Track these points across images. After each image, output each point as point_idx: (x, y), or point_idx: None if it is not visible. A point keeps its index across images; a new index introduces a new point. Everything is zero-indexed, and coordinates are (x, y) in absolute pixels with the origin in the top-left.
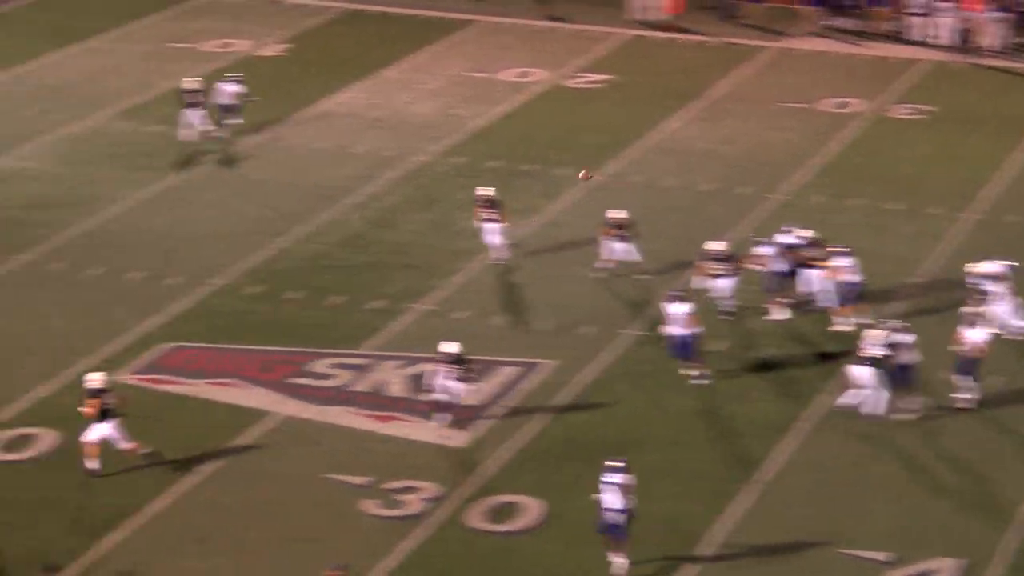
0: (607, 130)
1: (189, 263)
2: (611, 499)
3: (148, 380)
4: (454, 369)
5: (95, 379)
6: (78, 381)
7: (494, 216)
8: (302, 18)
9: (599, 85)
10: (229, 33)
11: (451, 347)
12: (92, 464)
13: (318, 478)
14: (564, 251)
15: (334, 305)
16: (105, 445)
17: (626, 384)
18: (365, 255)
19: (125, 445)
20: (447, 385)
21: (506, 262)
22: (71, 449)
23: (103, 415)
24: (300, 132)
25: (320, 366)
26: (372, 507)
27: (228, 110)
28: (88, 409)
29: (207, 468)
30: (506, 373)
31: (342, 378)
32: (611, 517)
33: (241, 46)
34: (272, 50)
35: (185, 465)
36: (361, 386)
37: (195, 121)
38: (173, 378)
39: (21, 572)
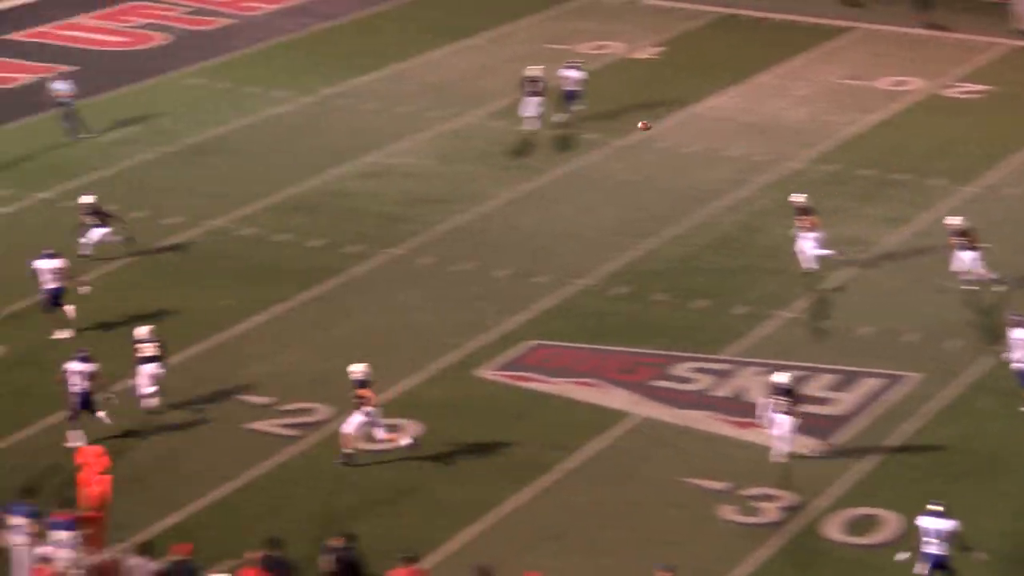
0: (984, 141)
1: (556, 261)
2: (932, 545)
3: (510, 377)
4: (782, 401)
5: (358, 370)
6: (443, 375)
7: (806, 223)
8: (677, 22)
9: (978, 96)
10: (605, 35)
11: (780, 377)
12: (406, 441)
13: (676, 481)
14: (934, 261)
15: (700, 308)
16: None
17: (991, 401)
18: (733, 259)
19: (381, 435)
20: (774, 417)
21: (838, 263)
22: (434, 439)
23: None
24: (672, 134)
25: (682, 369)
26: (729, 513)
27: (571, 96)
28: (369, 399)
29: (566, 467)
30: (869, 384)
31: (703, 382)
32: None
33: (616, 48)
34: (646, 53)
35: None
36: (722, 391)
37: (533, 109)
38: (535, 376)
39: (380, 560)
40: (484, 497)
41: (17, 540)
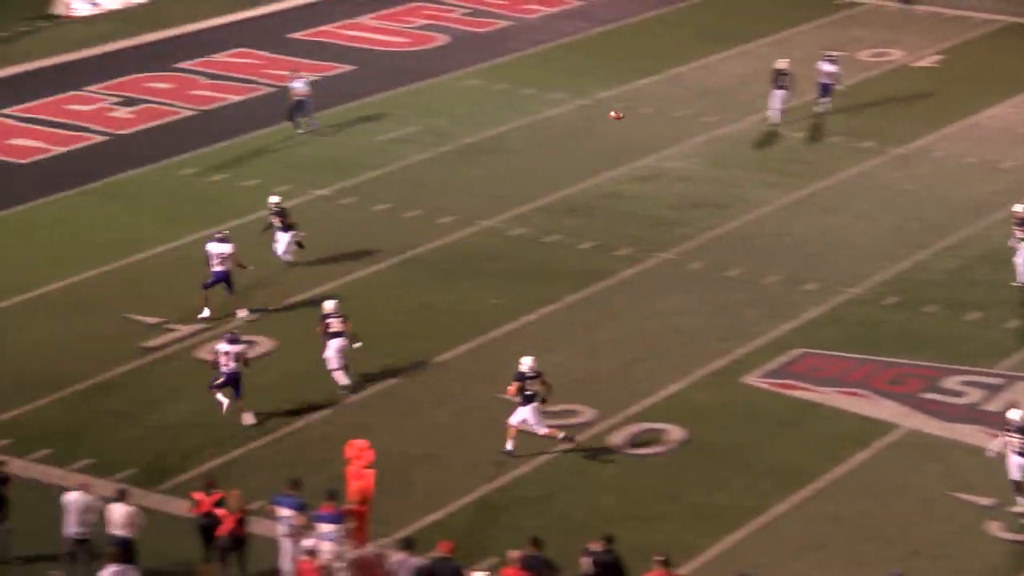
0: None
1: (826, 269)
2: None
3: (777, 384)
4: (1015, 438)
5: (525, 363)
6: (709, 380)
7: (1020, 233)
8: (961, 30)
9: None
10: (885, 42)
11: (1015, 414)
12: (509, 445)
13: (943, 495)
14: None
15: (972, 320)
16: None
17: None
18: (1007, 272)
19: (542, 431)
20: (1012, 458)
21: None
22: (698, 445)
23: (524, 399)
24: (950, 144)
25: (952, 382)
26: (997, 529)
27: (826, 89)
28: (511, 390)
29: (831, 477)
30: None
31: (974, 396)
32: None
33: (895, 55)
34: (927, 61)
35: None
36: (993, 406)
37: (778, 103)
38: (802, 384)
39: (639, 564)
40: (746, 504)
41: (284, 532)
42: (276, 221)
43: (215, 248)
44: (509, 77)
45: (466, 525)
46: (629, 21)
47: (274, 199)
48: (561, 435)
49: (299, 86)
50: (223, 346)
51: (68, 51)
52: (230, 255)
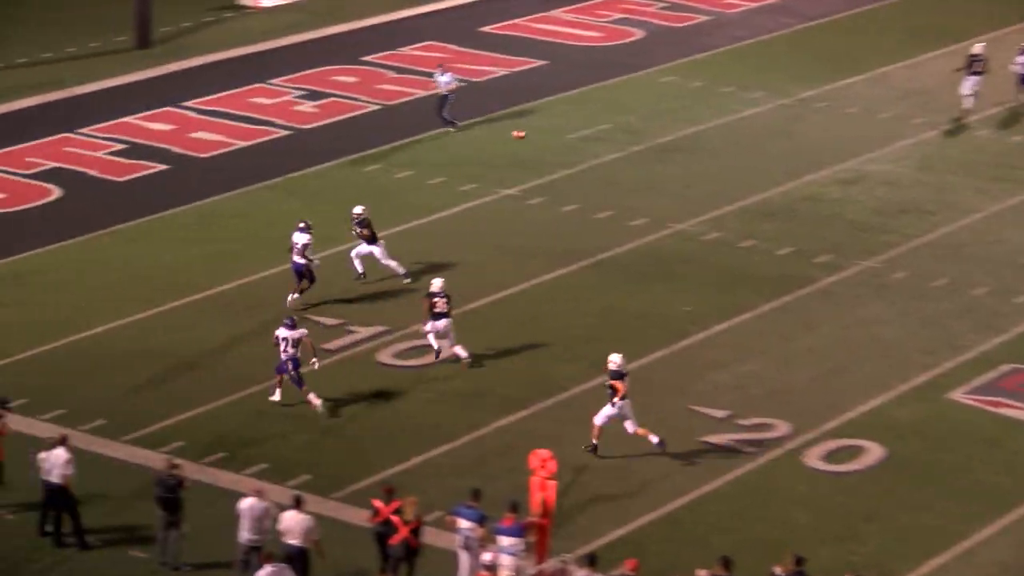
0: None
1: None
2: None
3: (984, 401)
4: None
5: (615, 360)
6: (911, 395)
7: None
8: None
9: None
10: None
11: None
12: (654, 439)
13: None
14: None
15: None
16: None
17: None
18: None
19: (632, 429)
20: None
21: None
22: (899, 463)
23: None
24: None
25: None
26: None
27: (1023, 80)
28: (618, 389)
29: None
30: None
31: None
32: None
33: None
34: None
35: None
36: None
37: (969, 88)
38: (1011, 402)
39: None
40: (949, 527)
41: (462, 544)
42: (364, 233)
43: (295, 237)
44: (706, 74)
45: (653, 541)
46: (834, 17)
47: (358, 209)
48: (656, 439)
49: (445, 80)
50: (282, 332)
51: (253, 42)
52: (303, 246)
